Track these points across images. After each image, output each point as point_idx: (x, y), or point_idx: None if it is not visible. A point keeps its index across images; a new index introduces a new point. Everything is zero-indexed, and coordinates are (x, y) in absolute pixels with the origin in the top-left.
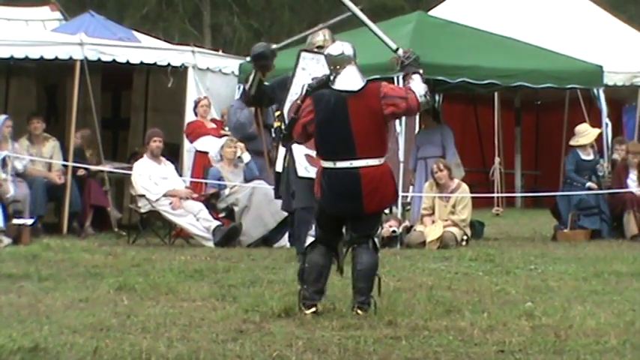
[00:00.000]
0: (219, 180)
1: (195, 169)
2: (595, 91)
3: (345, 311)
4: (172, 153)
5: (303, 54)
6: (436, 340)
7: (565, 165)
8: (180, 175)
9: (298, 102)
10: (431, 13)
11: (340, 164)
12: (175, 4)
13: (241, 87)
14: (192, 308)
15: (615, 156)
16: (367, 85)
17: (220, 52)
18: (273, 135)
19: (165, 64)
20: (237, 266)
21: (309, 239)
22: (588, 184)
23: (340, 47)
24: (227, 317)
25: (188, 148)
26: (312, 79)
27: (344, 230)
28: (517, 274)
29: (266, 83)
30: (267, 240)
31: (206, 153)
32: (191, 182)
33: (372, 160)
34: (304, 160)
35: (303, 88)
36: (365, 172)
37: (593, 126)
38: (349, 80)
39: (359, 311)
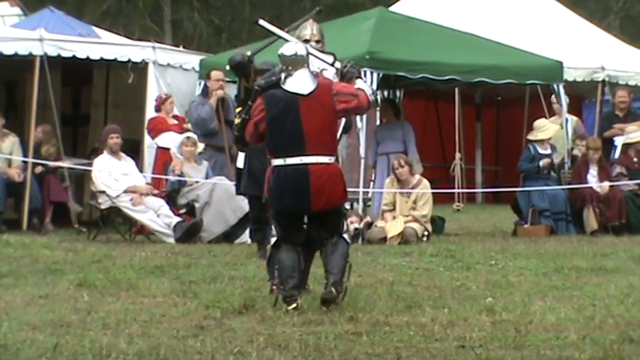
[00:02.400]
0: (180, 176)
1: (156, 166)
2: (555, 86)
3: (306, 307)
4: (133, 149)
5: None
6: (397, 335)
7: (521, 160)
8: (141, 171)
9: (249, 102)
10: (392, 9)
11: (290, 161)
12: None
13: (202, 83)
14: (153, 304)
15: (575, 152)
16: (319, 85)
17: (181, 48)
18: (235, 131)
19: (125, 59)
20: (197, 262)
21: (272, 239)
22: (542, 161)
23: (294, 48)
24: (188, 313)
25: (149, 144)
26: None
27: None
28: (478, 270)
29: (260, 82)
30: (228, 236)
31: (168, 149)
32: (152, 178)
33: (321, 157)
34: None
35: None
36: (314, 168)
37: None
38: (300, 83)
39: (332, 289)
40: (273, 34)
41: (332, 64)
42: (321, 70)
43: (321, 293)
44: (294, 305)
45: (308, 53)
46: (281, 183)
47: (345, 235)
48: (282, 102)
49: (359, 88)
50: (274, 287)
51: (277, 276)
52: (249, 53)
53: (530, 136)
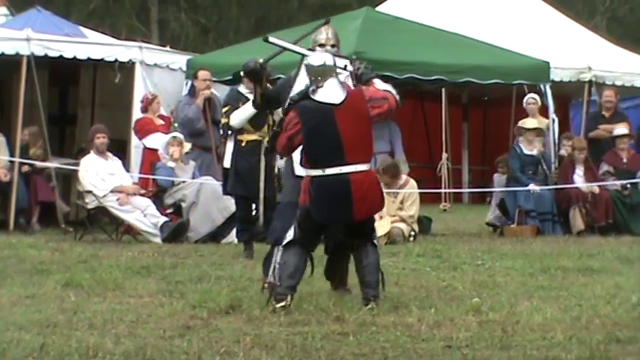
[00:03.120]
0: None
1: (143, 166)
2: (542, 86)
3: (293, 307)
4: (120, 149)
5: (308, 53)
6: (384, 335)
7: (509, 162)
8: (128, 171)
9: (281, 115)
10: (378, 9)
11: (329, 171)
12: None
13: (189, 83)
14: (140, 304)
15: (562, 152)
16: (349, 92)
17: (168, 48)
18: (221, 131)
19: (112, 59)
20: (184, 262)
21: (288, 237)
22: (530, 185)
23: (321, 58)
24: (174, 313)
25: (136, 144)
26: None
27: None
28: (464, 270)
29: (270, 86)
30: (215, 236)
31: (155, 150)
32: (139, 178)
33: (360, 165)
34: None
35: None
36: (354, 177)
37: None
38: (331, 93)
39: (372, 304)
40: (285, 49)
41: (344, 68)
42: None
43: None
44: (282, 304)
45: (335, 62)
46: (322, 194)
47: (375, 241)
48: (316, 113)
49: (386, 90)
50: (266, 285)
51: (277, 272)
52: (261, 60)
53: (520, 123)
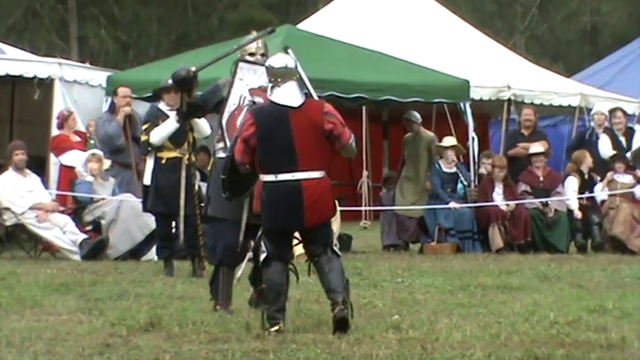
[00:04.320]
0: (88, 193)
1: (60, 183)
2: (462, 105)
3: (212, 324)
4: (39, 166)
5: (240, 64)
6: (304, 353)
7: (430, 179)
8: (47, 188)
9: (237, 117)
10: (299, 26)
11: (282, 177)
12: (42, 15)
13: (109, 99)
14: (58, 322)
15: (482, 170)
16: (307, 100)
17: (88, 65)
18: (141, 148)
19: (31, 76)
20: (104, 280)
21: (262, 255)
22: (451, 203)
23: (283, 60)
24: (93, 331)
25: (54, 161)
26: (249, 90)
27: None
28: (384, 287)
29: (198, 94)
30: (135, 253)
31: (72, 167)
32: (57, 195)
33: (313, 172)
34: None
35: (241, 99)
36: (307, 184)
37: (459, 140)
38: (289, 95)
39: (342, 307)
40: (217, 59)
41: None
42: (250, 89)
43: (334, 314)
44: (276, 328)
45: (297, 65)
46: (273, 200)
47: (336, 248)
48: (272, 115)
49: (346, 131)
50: (218, 307)
51: (265, 292)
52: (194, 68)
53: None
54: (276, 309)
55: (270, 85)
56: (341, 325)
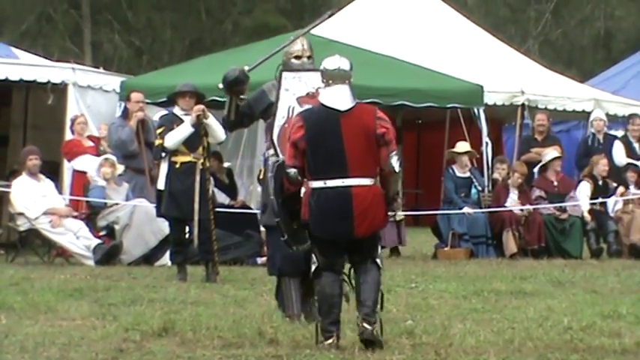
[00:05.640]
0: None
1: (73, 188)
2: (475, 110)
3: (226, 329)
4: (52, 171)
5: (284, 74)
6: (318, 358)
7: (444, 184)
8: (61, 193)
9: (288, 130)
10: (313, 31)
11: (331, 183)
12: (55, 20)
13: (122, 105)
14: (72, 327)
15: (496, 175)
16: (359, 104)
17: (101, 70)
18: (155, 153)
19: (45, 81)
20: (117, 285)
21: (313, 266)
22: (465, 208)
23: (337, 62)
24: (107, 336)
25: (68, 166)
26: (297, 99)
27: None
28: (398, 293)
29: (244, 103)
30: (148, 258)
31: (84, 172)
32: (71, 200)
33: (364, 179)
34: None
35: (289, 111)
36: (357, 191)
37: (472, 145)
38: (338, 98)
39: (365, 324)
40: (269, 57)
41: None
42: (317, 89)
43: (359, 332)
44: (329, 341)
45: (352, 68)
46: (322, 207)
47: (378, 260)
48: (321, 118)
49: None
50: (288, 318)
51: (317, 304)
52: (246, 68)
53: (450, 149)
54: (329, 321)
55: (323, 86)
56: (366, 344)
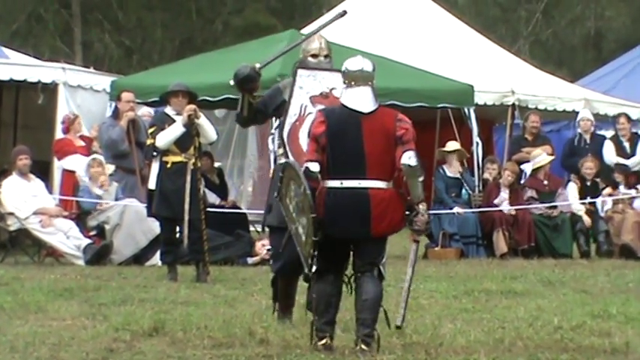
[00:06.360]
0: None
1: (63, 187)
2: (466, 110)
3: (216, 329)
4: (43, 170)
5: (299, 72)
6: (308, 358)
7: (434, 184)
8: (51, 193)
9: (298, 128)
10: (303, 31)
11: (347, 183)
12: (46, 20)
13: (113, 104)
14: (62, 327)
15: (486, 175)
16: (380, 107)
17: (91, 69)
18: (146, 152)
19: (35, 80)
20: (107, 285)
21: (313, 267)
22: (455, 208)
23: (360, 63)
24: (97, 336)
25: (59, 166)
26: (310, 98)
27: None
28: (388, 292)
29: (257, 100)
30: (139, 258)
31: (74, 172)
32: (61, 200)
33: (380, 182)
34: None
35: (302, 109)
36: (374, 193)
37: (463, 145)
38: (361, 100)
39: (363, 346)
40: (282, 54)
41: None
42: (331, 90)
43: (355, 349)
44: (323, 342)
45: (374, 69)
46: (338, 207)
47: (382, 268)
48: (343, 117)
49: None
50: (275, 312)
51: (313, 304)
52: (258, 65)
53: (440, 148)
54: (325, 321)
55: (344, 86)
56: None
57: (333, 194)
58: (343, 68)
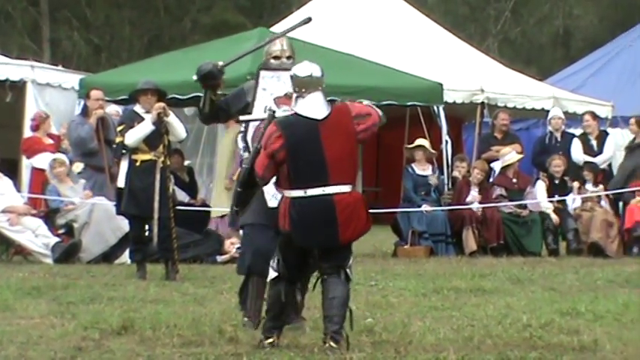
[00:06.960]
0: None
1: (32, 186)
2: (435, 108)
3: (186, 328)
4: (11, 168)
5: (262, 73)
6: (277, 356)
7: (403, 183)
8: (19, 191)
9: (262, 129)
10: (272, 29)
11: (311, 192)
12: (14, 18)
13: (82, 102)
14: (30, 326)
15: (455, 173)
16: (334, 107)
17: (60, 67)
18: (115, 150)
19: (3, 78)
20: (76, 283)
21: (272, 272)
22: (423, 206)
23: (309, 68)
24: (66, 335)
25: (27, 164)
26: (274, 99)
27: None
28: (358, 290)
29: (220, 97)
30: (108, 256)
31: (43, 170)
32: (29, 198)
33: (344, 186)
34: (273, 188)
35: (265, 110)
36: (339, 199)
37: (432, 143)
38: (315, 107)
39: (332, 343)
40: (244, 55)
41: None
42: (275, 98)
43: (325, 348)
44: (270, 340)
45: (323, 74)
46: (305, 216)
47: (348, 270)
48: (299, 128)
49: (367, 105)
50: (246, 319)
51: (267, 306)
52: (221, 63)
53: (408, 145)
54: (274, 325)
55: (295, 95)
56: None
57: (299, 204)
58: (291, 74)
